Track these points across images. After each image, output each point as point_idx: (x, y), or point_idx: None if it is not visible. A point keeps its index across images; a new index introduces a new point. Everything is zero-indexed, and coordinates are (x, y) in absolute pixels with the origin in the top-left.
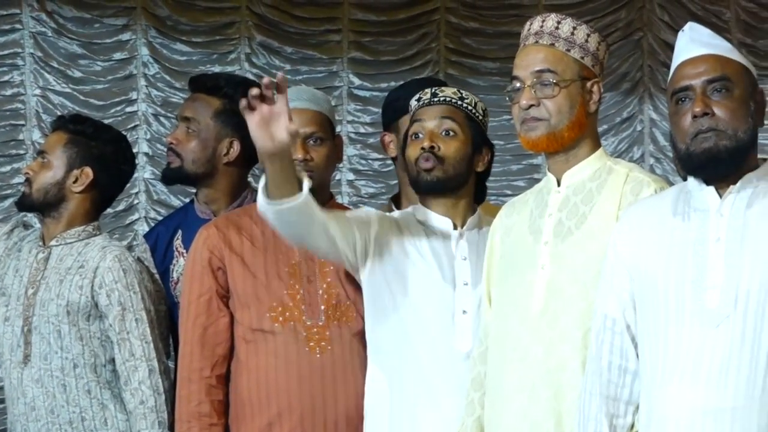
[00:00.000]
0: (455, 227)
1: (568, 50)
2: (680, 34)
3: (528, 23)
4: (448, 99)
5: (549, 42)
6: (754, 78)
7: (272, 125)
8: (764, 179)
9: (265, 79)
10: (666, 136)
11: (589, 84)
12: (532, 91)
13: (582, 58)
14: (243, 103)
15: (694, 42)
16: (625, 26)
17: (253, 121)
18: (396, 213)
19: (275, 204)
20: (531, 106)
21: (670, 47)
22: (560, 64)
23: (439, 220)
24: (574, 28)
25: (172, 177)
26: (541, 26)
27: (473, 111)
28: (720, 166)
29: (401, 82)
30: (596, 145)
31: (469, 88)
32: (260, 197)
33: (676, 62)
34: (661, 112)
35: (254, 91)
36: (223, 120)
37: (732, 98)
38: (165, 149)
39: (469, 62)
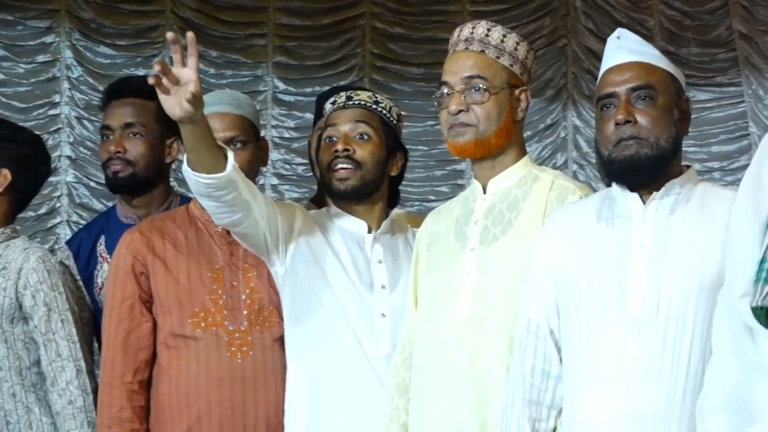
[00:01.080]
0: (369, 230)
1: (498, 57)
2: (609, 40)
3: (458, 29)
4: (362, 102)
5: (479, 49)
6: (681, 86)
7: (180, 91)
8: (687, 186)
9: (169, 35)
10: (589, 143)
11: (517, 92)
12: (462, 97)
13: (511, 65)
14: (151, 79)
15: (621, 49)
16: (549, 33)
17: (160, 88)
18: (313, 213)
19: (198, 176)
20: (460, 111)
21: (594, 54)
22: (490, 71)
23: (354, 223)
24: (504, 36)
25: (126, 185)
26: (472, 33)
27: (387, 115)
28: (641, 174)
29: (326, 87)
30: (522, 153)
31: (393, 94)
32: (184, 165)
33: (603, 68)
34: (584, 118)
35: (156, 67)
36: (164, 121)
37: (655, 106)
38: (88, 153)
39: (394, 68)
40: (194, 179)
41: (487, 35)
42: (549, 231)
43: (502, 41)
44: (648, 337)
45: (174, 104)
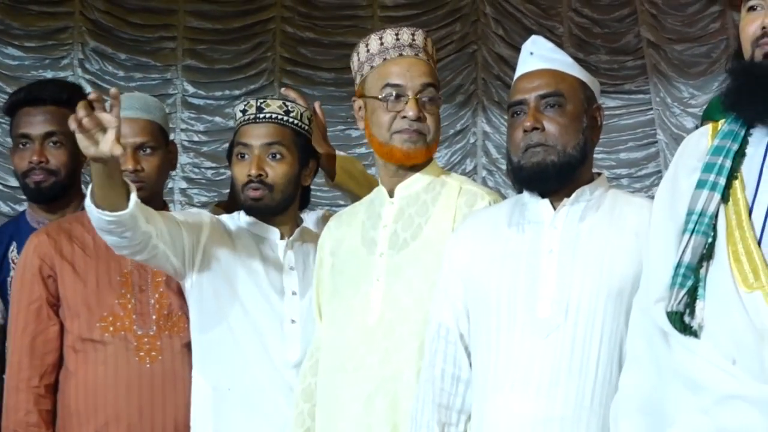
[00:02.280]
0: (282, 237)
1: (428, 61)
2: (523, 46)
3: (393, 33)
4: (273, 116)
5: (425, 58)
6: (593, 94)
7: (98, 134)
8: (597, 193)
9: (92, 95)
10: (499, 149)
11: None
12: (418, 104)
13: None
14: (71, 123)
15: (533, 56)
16: (459, 39)
17: (75, 125)
18: (225, 218)
19: (100, 213)
20: (418, 118)
21: (504, 61)
22: (435, 79)
23: (267, 230)
24: (433, 45)
25: (49, 195)
26: (414, 40)
27: (299, 124)
28: (548, 181)
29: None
30: (429, 157)
31: (304, 98)
32: (88, 200)
33: (516, 75)
34: (494, 124)
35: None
36: None
37: (563, 114)
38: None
39: (304, 72)
40: (97, 216)
41: (425, 44)
42: (460, 236)
43: (433, 49)
44: (557, 342)
45: (89, 144)
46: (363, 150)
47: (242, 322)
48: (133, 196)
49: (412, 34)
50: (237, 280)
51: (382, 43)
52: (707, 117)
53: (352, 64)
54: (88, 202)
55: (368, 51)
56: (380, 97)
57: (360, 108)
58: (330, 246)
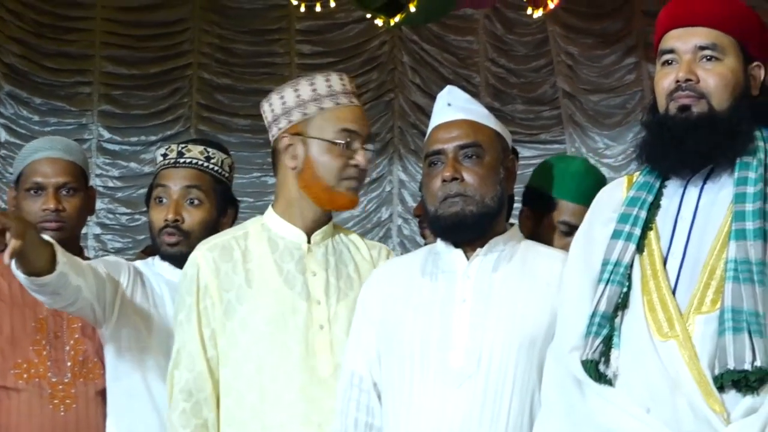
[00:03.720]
0: None
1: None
2: (439, 96)
3: (338, 77)
4: (194, 162)
5: (353, 101)
6: (507, 145)
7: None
8: (510, 244)
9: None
10: (415, 197)
11: None
12: (365, 153)
13: None
14: None
15: (450, 106)
16: (376, 87)
17: None
18: (140, 264)
19: (30, 279)
20: (366, 168)
21: (421, 109)
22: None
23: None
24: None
25: None
26: (355, 89)
27: (220, 171)
28: (466, 230)
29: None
30: None
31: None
32: (13, 266)
33: (432, 125)
34: (410, 173)
35: None
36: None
37: (482, 165)
38: None
39: (220, 118)
40: (26, 282)
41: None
42: (373, 284)
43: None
44: (469, 391)
45: None
46: None
47: (155, 372)
48: (59, 257)
49: (341, 79)
50: (153, 328)
51: (330, 86)
52: (535, 181)
53: (279, 103)
54: (13, 268)
55: (314, 91)
56: (335, 140)
57: (291, 146)
58: (216, 281)
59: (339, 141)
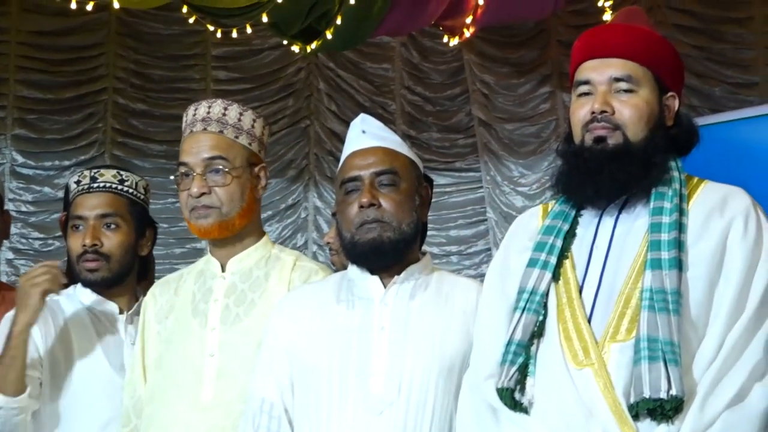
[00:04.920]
0: (121, 311)
1: (237, 137)
2: (353, 124)
3: (192, 108)
4: (108, 186)
5: (218, 129)
6: (421, 172)
7: None
8: (425, 272)
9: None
10: (330, 224)
11: (256, 169)
12: (204, 179)
13: (250, 144)
14: None
15: (365, 133)
16: (292, 114)
17: None
18: (62, 298)
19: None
20: (203, 194)
21: (337, 136)
22: (231, 152)
23: (104, 305)
24: (241, 114)
25: None
26: (209, 113)
27: (135, 193)
28: (383, 257)
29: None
30: (261, 232)
31: (134, 170)
32: None
33: (347, 152)
34: (325, 200)
35: None
36: None
37: (398, 191)
38: None
39: (135, 143)
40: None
41: (224, 115)
42: (285, 310)
43: (239, 120)
44: (390, 418)
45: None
46: None
47: (72, 400)
48: (31, 388)
49: (209, 107)
50: (73, 365)
51: (193, 115)
52: None
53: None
54: None
55: (185, 120)
56: (175, 175)
57: None
58: (154, 312)
59: (177, 175)
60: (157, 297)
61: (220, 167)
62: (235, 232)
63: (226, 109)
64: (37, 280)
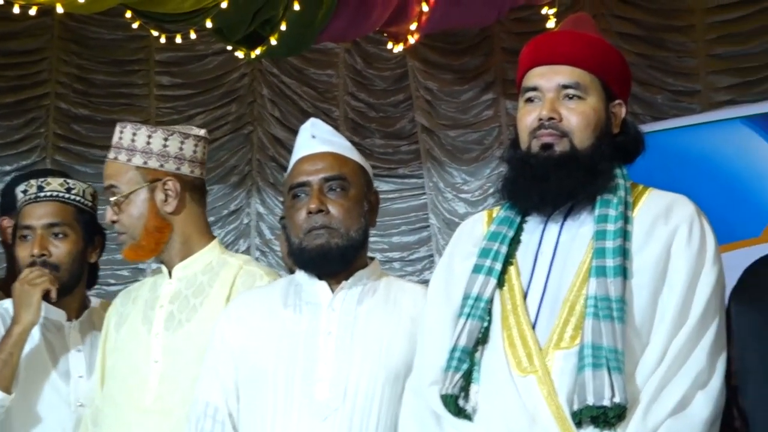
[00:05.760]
0: (69, 318)
1: (129, 159)
2: (302, 128)
3: (129, 130)
4: (55, 195)
5: (113, 156)
6: (370, 178)
7: None
8: (373, 278)
9: None
10: (272, 230)
11: (160, 184)
12: (114, 208)
13: (145, 162)
14: None
15: (315, 138)
16: (235, 120)
17: None
18: (7, 303)
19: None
20: (114, 222)
21: (280, 142)
22: (119, 178)
23: (52, 312)
24: (149, 136)
25: None
26: (120, 139)
27: (83, 201)
28: (331, 263)
29: (6, 167)
30: (209, 237)
31: (76, 175)
32: None
33: (296, 156)
34: (268, 205)
35: None
36: None
37: (347, 197)
38: None
39: (77, 149)
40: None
41: (132, 141)
42: (232, 315)
43: (148, 143)
44: (334, 424)
45: None
46: None
47: (23, 410)
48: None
49: (121, 132)
50: (19, 372)
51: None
52: None
53: None
54: None
55: None
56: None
57: None
58: (114, 321)
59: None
60: (118, 307)
61: (115, 194)
62: (153, 251)
63: (134, 134)
64: (37, 281)
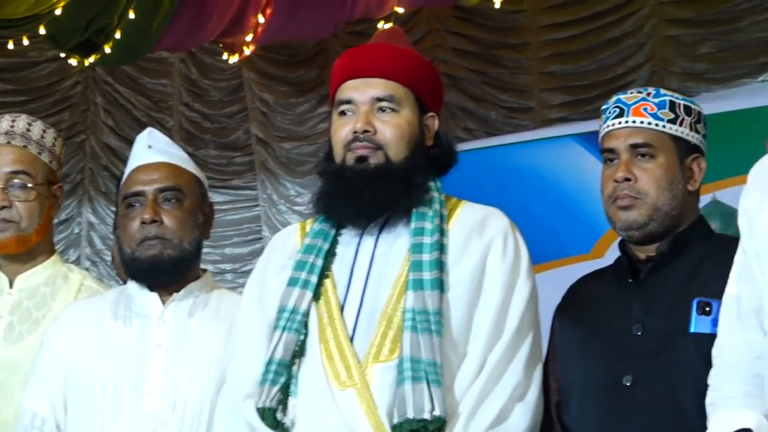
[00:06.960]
0: None
1: (40, 153)
2: (139, 137)
3: (7, 120)
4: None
5: (22, 144)
6: (205, 190)
7: None
8: (205, 290)
9: None
10: (103, 240)
11: (55, 188)
12: (6, 193)
13: (50, 162)
14: None
15: (151, 148)
16: (68, 128)
17: None
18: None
19: None
20: (3, 207)
21: (113, 151)
22: (33, 167)
23: None
24: (44, 132)
25: None
26: (12, 126)
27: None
28: (163, 274)
29: None
30: (52, 250)
31: None
32: None
33: (131, 166)
34: (99, 215)
35: None
36: None
37: (182, 209)
38: None
39: None
40: None
41: (28, 130)
42: (61, 326)
43: (42, 137)
44: None
45: None
46: None
47: None
48: None
49: (12, 121)
50: None
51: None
52: None
53: None
54: None
55: None
56: None
57: None
58: None
59: None
60: None
61: (25, 183)
62: (30, 248)
63: (29, 124)
64: None
